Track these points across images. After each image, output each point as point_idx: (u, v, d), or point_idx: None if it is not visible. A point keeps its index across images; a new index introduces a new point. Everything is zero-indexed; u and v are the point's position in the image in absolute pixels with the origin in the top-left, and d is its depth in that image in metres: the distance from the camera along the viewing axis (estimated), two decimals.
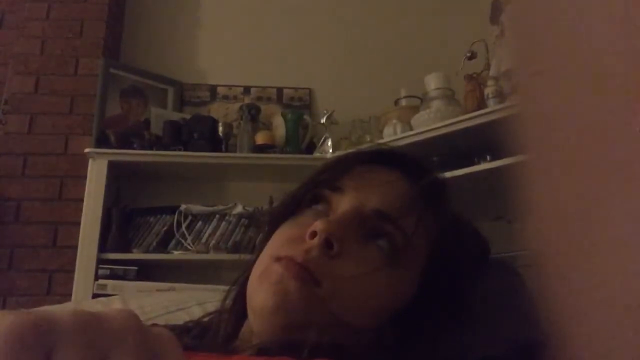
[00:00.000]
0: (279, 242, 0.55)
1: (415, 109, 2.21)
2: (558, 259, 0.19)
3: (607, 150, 0.16)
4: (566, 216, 0.18)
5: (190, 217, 2.25)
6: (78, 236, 2.08)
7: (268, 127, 2.51)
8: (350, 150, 0.65)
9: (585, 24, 0.17)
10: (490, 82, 2.00)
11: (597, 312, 0.17)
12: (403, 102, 2.37)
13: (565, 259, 0.19)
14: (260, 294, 0.50)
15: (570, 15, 0.18)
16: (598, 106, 0.17)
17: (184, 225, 2.22)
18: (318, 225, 0.51)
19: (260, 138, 2.38)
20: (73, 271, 2.03)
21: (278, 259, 0.51)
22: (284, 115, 2.46)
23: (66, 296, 2.02)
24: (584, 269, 0.18)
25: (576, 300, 0.18)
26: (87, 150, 2.17)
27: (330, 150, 2.32)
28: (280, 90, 2.69)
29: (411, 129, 2.13)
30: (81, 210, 2.11)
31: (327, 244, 0.50)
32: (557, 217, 0.19)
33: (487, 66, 2.15)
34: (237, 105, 2.55)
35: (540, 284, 0.20)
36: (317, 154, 2.34)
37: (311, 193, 0.59)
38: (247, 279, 0.56)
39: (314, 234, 0.51)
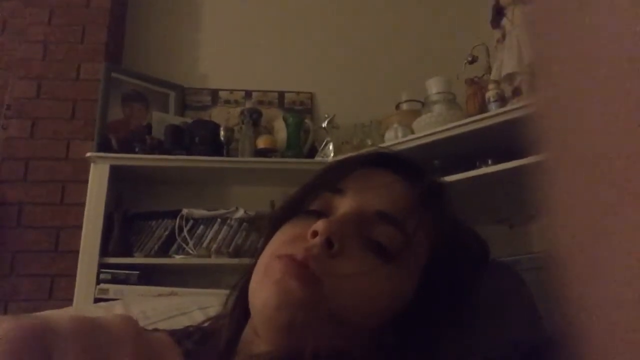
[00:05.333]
0: (280, 241, 0.55)
1: (416, 113, 2.21)
2: (572, 260, 0.19)
3: (628, 150, 0.16)
4: (583, 217, 0.18)
5: (191, 222, 2.25)
6: (80, 241, 2.08)
7: (269, 131, 2.51)
8: (351, 154, 0.65)
9: (611, 20, 0.17)
10: (491, 86, 2.00)
11: (608, 314, 0.17)
12: (404, 106, 2.37)
13: (579, 261, 0.18)
14: (262, 292, 0.50)
15: (594, 10, 0.18)
16: (620, 104, 0.17)
17: (185, 230, 2.23)
18: (319, 225, 0.51)
19: (262, 142, 2.39)
20: (75, 275, 2.03)
21: (279, 257, 0.51)
22: (285, 120, 2.47)
23: (68, 300, 2.02)
24: (598, 271, 0.17)
25: (589, 301, 0.18)
26: (88, 154, 2.17)
27: (332, 155, 2.32)
28: (281, 94, 2.69)
29: (412, 133, 2.13)
30: (83, 214, 2.11)
31: (328, 243, 0.50)
32: (573, 219, 0.19)
33: (488, 70, 2.16)
34: (238, 110, 2.55)
35: (553, 284, 0.20)
36: (318, 158, 2.35)
37: (312, 195, 0.59)
38: (247, 282, 0.56)
39: (315, 234, 0.51)
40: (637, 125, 0.16)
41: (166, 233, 2.23)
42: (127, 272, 2.05)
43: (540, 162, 0.20)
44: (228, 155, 2.34)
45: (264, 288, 0.50)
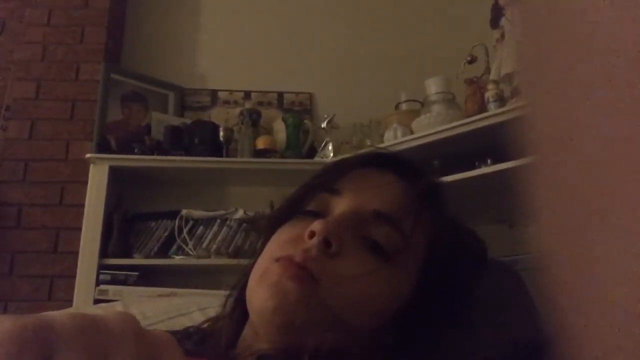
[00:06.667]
0: (278, 243, 0.55)
1: (415, 113, 2.21)
2: (561, 261, 0.19)
3: (618, 154, 0.16)
4: (571, 219, 0.18)
5: (191, 222, 2.25)
6: (79, 241, 2.08)
7: (269, 131, 2.51)
8: (347, 155, 0.65)
9: (594, 24, 0.17)
10: (490, 86, 2.00)
11: (599, 315, 0.17)
12: (404, 106, 2.37)
13: (568, 262, 0.19)
14: (259, 294, 0.50)
15: (578, 14, 0.18)
16: (608, 106, 0.17)
17: (185, 230, 2.22)
18: (316, 225, 0.51)
19: (261, 143, 2.39)
20: (74, 277, 2.03)
21: (277, 260, 0.51)
22: (284, 120, 2.47)
23: (67, 302, 2.02)
24: (587, 272, 0.17)
25: (578, 302, 0.18)
26: (88, 155, 2.17)
27: (331, 155, 2.32)
28: (280, 94, 2.69)
29: (412, 133, 2.13)
30: (82, 215, 2.11)
31: (326, 243, 0.50)
32: (562, 220, 0.19)
33: (488, 70, 2.16)
34: (237, 110, 2.55)
35: (544, 285, 0.20)
36: (317, 159, 2.35)
37: (309, 196, 0.59)
38: (246, 283, 0.56)
39: (312, 234, 0.51)
40: (630, 126, 0.16)
41: (166, 234, 2.23)
42: (126, 273, 2.05)
43: (533, 164, 0.20)
44: (227, 155, 2.34)
45: (262, 290, 0.50)
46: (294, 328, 0.48)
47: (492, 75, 2.07)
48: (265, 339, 0.50)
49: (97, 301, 1.93)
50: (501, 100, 1.97)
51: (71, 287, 2.02)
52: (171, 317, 0.88)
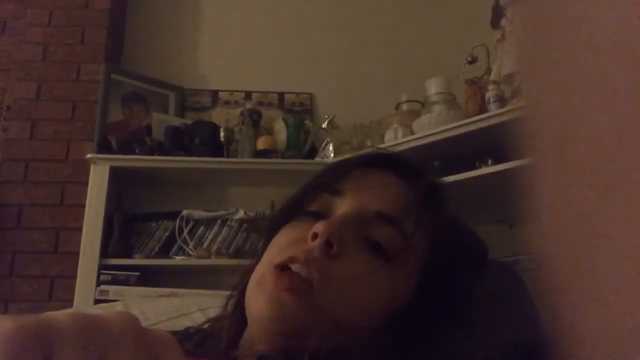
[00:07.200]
0: (279, 246, 0.55)
1: (416, 114, 2.21)
2: (561, 262, 0.19)
3: (614, 155, 0.16)
4: (571, 220, 0.18)
5: (191, 223, 2.25)
6: (80, 242, 2.08)
7: (269, 132, 2.51)
8: (348, 155, 0.65)
9: (594, 24, 0.17)
10: (491, 87, 2.00)
11: (598, 316, 0.17)
12: (404, 107, 2.37)
13: (568, 263, 0.19)
14: (257, 302, 0.51)
15: (578, 15, 0.18)
16: (608, 109, 0.17)
17: (185, 231, 2.23)
18: (319, 227, 0.51)
19: (262, 143, 2.39)
20: (75, 277, 2.03)
21: (276, 266, 0.51)
22: (285, 120, 2.47)
23: (68, 302, 2.02)
24: (587, 273, 0.17)
25: (578, 303, 0.18)
26: (88, 155, 2.17)
27: (332, 155, 2.32)
28: (281, 95, 2.69)
29: (412, 134, 2.13)
30: (83, 215, 2.11)
31: (328, 244, 0.50)
32: (562, 221, 0.19)
33: (488, 70, 2.16)
34: (238, 111, 2.55)
35: (543, 287, 0.20)
36: (318, 159, 2.35)
37: (311, 196, 0.59)
38: (247, 284, 0.56)
39: (315, 236, 0.51)
40: (629, 127, 0.16)
41: (166, 234, 2.23)
42: (127, 273, 2.05)
43: (531, 165, 0.20)
44: (228, 156, 2.34)
45: (259, 298, 0.51)
46: (293, 334, 0.48)
47: (493, 76, 2.07)
48: (264, 342, 0.51)
49: (97, 301, 1.93)
50: (502, 100, 1.97)
51: (71, 288, 2.02)
52: (172, 317, 0.88)
